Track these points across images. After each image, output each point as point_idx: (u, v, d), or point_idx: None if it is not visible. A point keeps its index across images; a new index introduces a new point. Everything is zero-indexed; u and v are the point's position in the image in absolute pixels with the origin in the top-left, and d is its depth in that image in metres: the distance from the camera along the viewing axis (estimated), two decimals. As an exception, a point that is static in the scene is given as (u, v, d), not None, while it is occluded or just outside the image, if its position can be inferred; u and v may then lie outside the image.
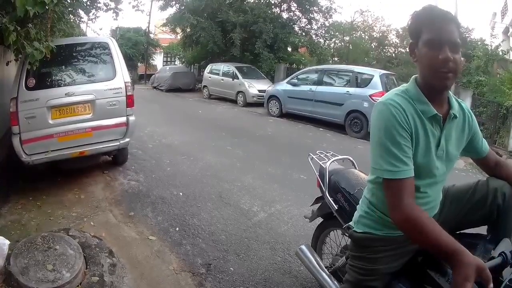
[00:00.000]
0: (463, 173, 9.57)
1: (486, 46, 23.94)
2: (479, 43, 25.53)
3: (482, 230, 2.60)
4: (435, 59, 2.07)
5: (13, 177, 7.17)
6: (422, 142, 2.20)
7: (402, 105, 2.16)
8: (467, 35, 27.71)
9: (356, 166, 4.03)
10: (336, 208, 3.42)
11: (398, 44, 36.74)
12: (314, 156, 4.05)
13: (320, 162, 3.87)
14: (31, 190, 6.75)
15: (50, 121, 6.72)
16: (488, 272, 1.67)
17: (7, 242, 3.96)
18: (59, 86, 7.02)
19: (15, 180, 7.11)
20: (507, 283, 1.83)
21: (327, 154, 4.04)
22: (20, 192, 6.65)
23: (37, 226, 5.56)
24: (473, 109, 16.22)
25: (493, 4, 38.61)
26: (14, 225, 5.54)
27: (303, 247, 3.97)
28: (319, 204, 4.00)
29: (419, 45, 2.19)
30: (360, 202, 2.70)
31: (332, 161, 3.82)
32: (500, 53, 21.88)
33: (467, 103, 16.13)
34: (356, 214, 2.68)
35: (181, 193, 7.11)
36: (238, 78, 22.35)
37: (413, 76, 2.36)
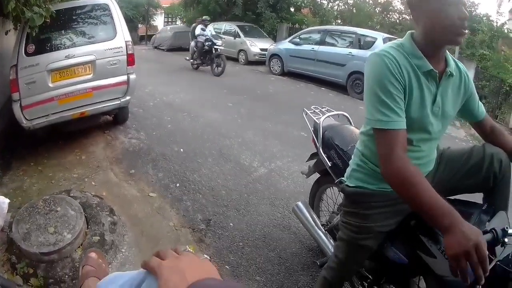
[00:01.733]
0: (463, 143, 9.60)
1: (492, 22, 23.79)
2: (484, 18, 25.35)
3: (477, 197, 2.56)
4: (450, 17, 2.02)
5: (15, 145, 7.21)
6: (416, 96, 2.16)
7: (396, 57, 2.13)
8: (472, 10, 27.45)
9: (352, 122, 4.02)
10: (330, 164, 3.40)
11: (403, 11, 36.46)
12: (308, 112, 3.99)
13: (315, 118, 3.83)
14: (32, 155, 6.79)
15: (50, 85, 6.69)
16: (484, 251, 1.61)
17: (7, 200, 3.98)
18: (59, 49, 6.98)
19: (16, 147, 7.15)
20: (497, 262, 1.83)
21: (322, 110, 3.99)
22: (21, 159, 6.70)
23: (38, 190, 5.59)
24: (476, 82, 16.25)
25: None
26: (16, 192, 5.56)
27: (300, 204, 3.99)
28: (315, 160, 3.97)
29: (430, 1, 2.09)
30: (352, 156, 2.68)
31: (327, 117, 3.78)
32: (506, 31, 21.75)
33: (470, 75, 16.28)
34: (348, 169, 2.67)
35: (181, 150, 7.16)
36: (240, 37, 22.30)
37: (409, 32, 2.31)
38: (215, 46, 17.06)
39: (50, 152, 6.95)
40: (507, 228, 1.85)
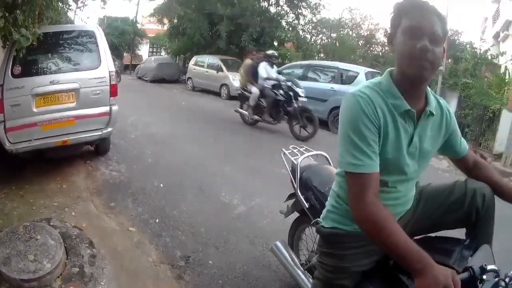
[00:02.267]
0: (446, 174, 9.64)
1: (475, 49, 24.09)
2: (467, 46, 25.68)
3: (459, 233, 2.51)
4: (413, 47, 1.98)
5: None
6: (391, 137, 2.14)
7: (371, 97, 2.10)
8: (456, 38, 27.83)
9: (331, 162, 4.00)
10: (307, 206, 3.40)
11: (385, 43, 36.80)
12: (286, 152, 4.00)
13: (292, 158, 3.84)
14: (14, 178, 6.77)
15: (34, 109, 6.73)
16: None
17: None
18: (44, 74, 7.04)
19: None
20: None
21: (301, 149, 4.00)
22: (3, 181, 6.63)
23: (19, 215, 5.57)
24: (459, 111, 16.46)
25: (484, 8, 38.80)
26: (-4, 214, 5.54)
27: (278, 243, 3.99)
28: (293, 200, 3.97)
29: (397, 34, 2.11)
30: (328, 197, 2.65)
31: (304, 157, 3.79)
32: (489, 57, 22.02)
33: (453, 105, 16.22)
34: (324, 210, 2.64)
35: (161, 185, 7.15)
36: (222, 71, 22.40)
37: (388, 69, 2.29)
38: (299, 97, 12.60)
39: (32, 177, 6.95)
40: (485, 265, 1.84)
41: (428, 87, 2.25)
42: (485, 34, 32.36)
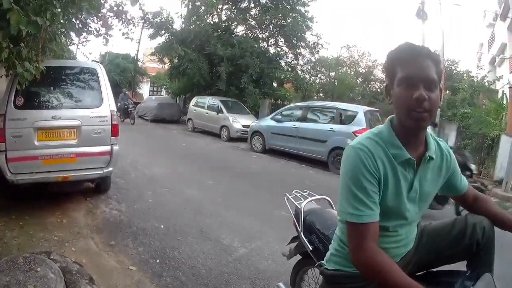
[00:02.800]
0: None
1: (472, 78, 24.29)
2: (464, 75, 25.87)
3: (461, 266, 2.55)
4: (409, 98, 2.04)
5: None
6: (391, 186, 2.20)
7: (371, 149, 2.16)
8: (453, 68, 28.01)
9: (333, 205, 4.02)
10: (311, 248, 3.41)
11: (384, 79, 36.96)
12: (290, 196, 4.04)
13: (296, 203, 3.87)
14: (14, 208, 6.80)
15: (36, 143, 6.83)
16: None
17: None
18: (46, 108, 7.16)
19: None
20: None
21: (304, 194, 4.04)
22: (4, 210, 6.68)
23: (18, 245, 5.59)
24: (458, 142, 16.67)
25: (480, 35, 39.09)
26: (-4, 242, 5.54)
27: (281, 284, 3.98)
28: (296, 243, 3.99)
29: (394, 85, 2.16)
30: (332, 240, 2.71)
31: (308, 202, 3.82)
32: (486, 84, 22.22)
33: (452, 136, 16.27)
34: (328, 253, 2.70)
35: (162, 226, 7.11)
36: (222, 112, 22.47)
37: (389, 117, 2.34)
38: None
39: (32, 209, 6.95)
40: None
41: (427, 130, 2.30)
42: (482, 61, 32.64)
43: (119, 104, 19.07)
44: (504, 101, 18.07)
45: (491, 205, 2.64)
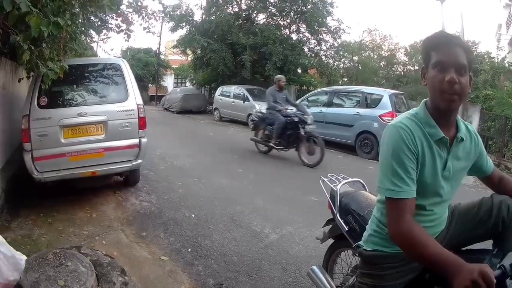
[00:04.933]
0: (472, 189, 9.54)
1: (493, 59, 24.00)
2: (485, 56, 25.58)
3: (489, 245, 2.62)
4: (441, 81, 2.16)
5: (24, 193, 7.27)
6: (428, 164, 2.29)
7: (410, 128, 2.27)
8: (473, 49, 27.80)
9: (366, 188, 4.04)
10: (347, 229, 3.44)
11: (407, 62, 36.79)
12: (325, 179, 4.07)
13: (331, 185, 3.90)
14: (42, 206, 6.84)
15: (62, 140, 6.85)
16: (490, 275, 1.71)
17: (24, 257, 3.97)
18: (71, 106, 7.18)
19: (26, 195, 7.20)
20: None
21: (338, 177, 4.06)
22: (31, 208, 6.75)
23: (47, 242, 5.63)
24: (482, 124, 16.60)
25: (497, 15, 38.58)
26: (24, 239, 5.61)
27: (315, 267, 3.98)
28: (330, 226, 4.02)
29: (428, 68, 2.27)
30: (369, 221, 2.78)
31: (343, 184, 3.86)
32: (507, 65, 21.90)
33: (475, 118, 16.14)
34: (365, 234, 2.77)
35: (193, 215, 7.14)
36: (249, 101, 22.58)
37: (423, 100, 2.46)
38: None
39: (60, 205, 7.02)
40: None
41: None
42: (501, 41, 32.18)
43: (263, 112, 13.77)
44: None
45: None
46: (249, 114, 21.44)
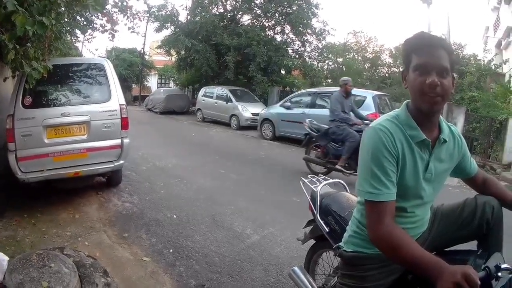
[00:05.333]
0: (456, 190, 9.58)
1: (479, 61, 24.12)
2: (471, 59, 25.72)
3: (472, 246, 2.63)
4: (423, 83, 2.15)
5: (8, 194, 7.23)
6: (409, 166, 2.28)
7: (391, 130, 2.26)
8: (459, 52, 27.88)
9: (348, 189, 4.07)
10: (327, 230, 3.45)
11: (391, 64, 36.93)
12: (306, 180, 4.10)
13: (312, 186, 3.92)
14: (26, 207, 6.81)
15: (46, 140, 6.83)
16: (473, 277, 1.71)
17: (6, 258, 3.99)
18: (55, 105, 7.15)
19: (10, 196, 7.16)
20: None
21: (319, 178, 4.10)
22: (15, 209, 6.72)
23: (31, 243, 5.61)
24: (466, 126, 16.64)
25: (485, 18, 38.92)
26: (8, 241, 5.58)
27: (296, 268, 4.00)
28: (311, 227, 4.04)
29: (409, 71, 2.26)
30: (349, 222, 2.78)
31: (323, 185, 3.87)
32: (493, 67, 22.05)
33: (460, 120, 16.20)
34: (345, 234, 2.76)
35: (174, 216, 7.14)
36: (231, 102, 22.56)
37: (405, 102, 2.43)
38: None
39: (43, 206, 6.99)
40: (499, 263, 1.96)
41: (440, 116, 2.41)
42: (488, 44, 32.44)
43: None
44: (511, 85, 17.97)
45: (499, 186, 2.78)
46: (232, 115, 21.52)
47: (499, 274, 1.93)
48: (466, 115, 17.10)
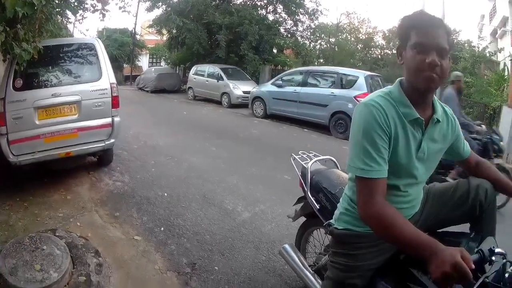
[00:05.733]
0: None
1: (473, 48, 24.13)
2: (466, 45, 25.72)
3: (465, 228, 2.64)
4: (422, 62, 2.11)
5: (1, 178, 7.17)
6: (402, 144, 2.24)
7: (383, 106, 2.22)
8: (454, 37, 27.96)
9: (338, 166, 4.06)
10: (318, 207, 3.44)
11: (384, 46, 36.95)
12: (296, 157, 4.08)
13: (302, 163, 3.90)
14: (18, 191, 6.77)
15: (37, 122, 6.76)
16: (464, 267, 1.67)
17: None
18: (46, 87, 7.08)
19: (2, 181, 7.10)
20: (489, 280, 1.86)
21: (310, 155, 4.07)
22: (7, 193, 6.65)
23: (24, 226, 5.58)
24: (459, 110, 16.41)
25: (481, 6, 38.98)
26: (2, 225, 5.55)
27: (287, 246, 4.02)
28: (302, 204, 4.03)
29: (406, 48, 2.23)
30: (341, 199, 2.75)
31: (314, 162, 3.85)
32: (488, 55, 22.06)
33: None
34: (336, 212, 2.73)
35: (165, 194, 7.15)
36: (223, 80, 22.46)
37: (398, 79, 2.40)
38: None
39: (35, 189, 6.94)
40: (493, 247, 1.96)
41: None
42: (483, 32, 32.45)
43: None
44: (506, 73, 17.97)
45: (493, 170, 2.74)
46: (223, 93, 21.48)
47: (493, 258, 1.92)
48: (458, 100, 16.96)
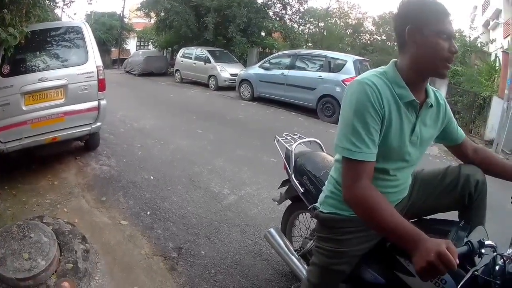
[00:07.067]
0: (437, 160, 9.71)
1: (465, 37, 24.20)
2: (457, 34, 25.85)
3: (452, 216, 2.61)
4: (444, 50, 2.08)
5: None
6: (395, 126, 2.18)
7: (378, 86, 2.13)
8: None
9: (324, 148, 4.05)
10: (302, 191, 3.42)
11: (374, 32, 36.96)
12: (280, 139, 4.02)
13: (286, 145, 3.87)
14: (6, 179, 6.72)
15: (24, 108, 6.68)
16: (449, 257, 1.61)
17: None
18: (33, 71, 6.97)
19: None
20: (478, 274, 1.84)
21: (294, 137, 4.02)
22: (-4, 182, 6.64)
23: (12, 215, 5.56)
24: (449, 98, 16.58)
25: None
26: (-9, 215, 5.54)
27: (272, 230, 4.02)
28: (287, 187, 4.01)
29: (424, 33, 2.10)
30: (326, 182, 2.70)
31: (298, 144, 3.82)
32: (479, 45, 22.13)
33: (443, 91, 16.20)
34: (322, 195, 2.70)
35: (152, 177, 7.15)
36: (210, 62, 22.36)
37: (392, 60, 2.34)
38: None
39: (23, 176, 6.91)
40: (483, 239, 1.90)
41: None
42: (475, 22, 32.51)
43: None
44: (497, 64, 18.00)
45: (493, 154, 2.75)
46: (210, 76, 21.44)
47: (483, 250, 1.88)
48: (448, 87, 17.25)
